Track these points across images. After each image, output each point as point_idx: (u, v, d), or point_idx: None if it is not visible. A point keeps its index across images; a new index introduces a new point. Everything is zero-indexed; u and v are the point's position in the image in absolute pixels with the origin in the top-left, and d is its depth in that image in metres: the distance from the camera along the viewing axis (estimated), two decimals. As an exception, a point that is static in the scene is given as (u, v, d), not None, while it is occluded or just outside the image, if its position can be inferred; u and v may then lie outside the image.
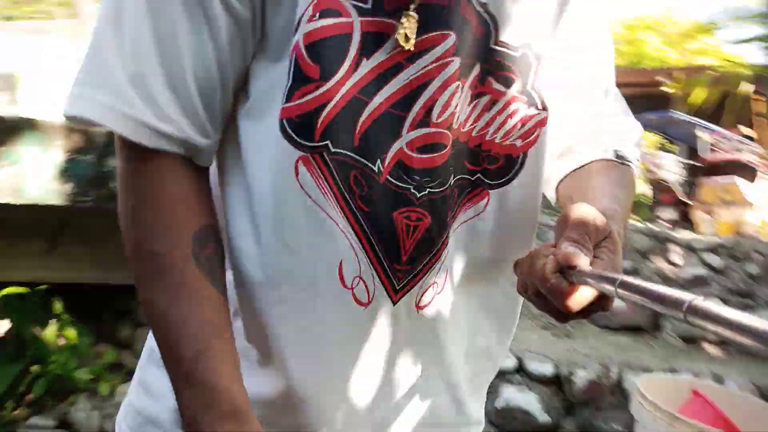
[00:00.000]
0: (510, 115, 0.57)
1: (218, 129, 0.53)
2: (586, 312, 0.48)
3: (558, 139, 0.63)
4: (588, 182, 0.60)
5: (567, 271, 0.46)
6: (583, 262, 0.46)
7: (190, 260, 0.50)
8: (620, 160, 0.62)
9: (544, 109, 0.58)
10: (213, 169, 0.57)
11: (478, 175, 0.58)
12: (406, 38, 0.49)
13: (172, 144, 0.49)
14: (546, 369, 2.74)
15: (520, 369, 2.75)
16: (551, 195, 0.67)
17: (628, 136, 0.66)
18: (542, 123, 0.59)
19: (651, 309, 0.39)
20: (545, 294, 0.48)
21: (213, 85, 0.50)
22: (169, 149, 0.49)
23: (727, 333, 0.32)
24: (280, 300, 0.54)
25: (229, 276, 0.55)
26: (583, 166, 0.63)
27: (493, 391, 2.57)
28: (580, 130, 0.65)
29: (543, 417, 2.65)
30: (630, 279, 0.41)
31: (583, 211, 0.50)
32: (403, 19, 0.49)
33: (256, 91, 0.52)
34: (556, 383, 2.73)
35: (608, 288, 0.43)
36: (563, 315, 0.49)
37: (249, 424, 0.48)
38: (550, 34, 0.58)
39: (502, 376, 2.66)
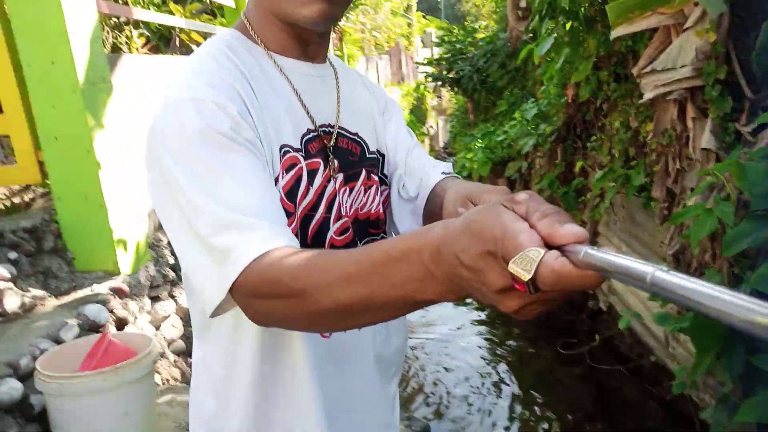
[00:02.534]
0: (380, 194, 0.89)
1: None
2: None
3: (408, 187, 0.90)
4: (447, 184, 0.83)
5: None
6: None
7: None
8: (449, 174, 0.90)
9: (388, 184, 0.92)
10: None
11: (381, 234, 0.89)
12: (334, 171, 0.80)
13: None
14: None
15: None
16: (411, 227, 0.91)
17: (440, 165, 0.92)
18: (389, 193, 0.92)
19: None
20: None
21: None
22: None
23: (692, 304, 0.32)
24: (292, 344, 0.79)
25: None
26: (434, 186, 0.87)
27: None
28: (415, 172, 0.91)
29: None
30: (594, 249, 0.39)
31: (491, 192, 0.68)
32: (331, 162, 0.80)
33: None
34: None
35: (573, 259, 0.40)
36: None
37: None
38: (381, 136, 0.92)
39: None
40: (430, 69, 8.51)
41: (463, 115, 9.81)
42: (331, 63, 0.88)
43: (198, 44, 5.28)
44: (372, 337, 0.88)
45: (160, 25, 4.27)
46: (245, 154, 0.67)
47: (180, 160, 0.65)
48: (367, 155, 0.88)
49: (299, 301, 0.58)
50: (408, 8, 20.50)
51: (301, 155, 0.77)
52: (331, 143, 0.82)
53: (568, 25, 3.01)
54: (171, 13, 4.60)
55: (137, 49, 4.22)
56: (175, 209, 0.66)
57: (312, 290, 0.57)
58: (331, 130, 0.82)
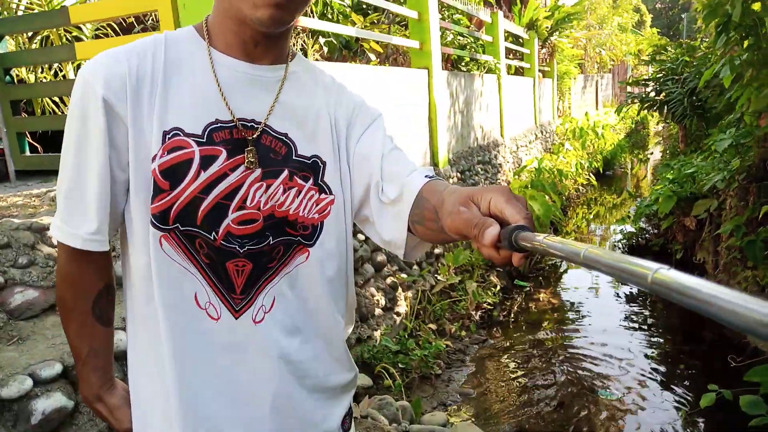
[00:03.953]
0: (309, 199, 0.89)
1: (111, 229, 0.88)
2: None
3: (387, 190, 0.90)
4: (439, 187, 0.81)
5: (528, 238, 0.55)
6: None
7: (89, 312, 0.92)
8: (433, 177, 0.88)
9: (332, 193, 0.91)
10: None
11: (299, 237, 0.89)
12: (251, 163, 0.84)
13: (95, 244, 0.85)
14: None
15: None
16: (401, 238, 0.89)
17: (422, 169, 0.92)
18: (332, 202, 0.91)
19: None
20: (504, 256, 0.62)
21: (110, 195, 0.84)
22: (91, 249, 0.86)
23: (694, 303, 0.33)
24: (160, 319, 0.85)
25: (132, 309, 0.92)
26: (420, 190, 0.85)
27: None
28: (394, 176, 0.89)
29: None
30: (595, 248, 0.43)
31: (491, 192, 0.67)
32: (248, 153, 0.84)
33: (131, 199, 0.85)
34: None
35: (574, 256, 0.45)
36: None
37: (108, 399, 0.98)
38: (330, 144, 0.92)
39: None
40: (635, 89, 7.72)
41: (674, 143, 8.72)
42: (287, 67, 0.90)
43: (377, 53, 5.58)
44: (278, 335, 0.89)
45: (337, 33, 4.61)
46: (95, 146, 0.82)
47: (67, 125, 0.84)
48: (294, 156, 0.89)
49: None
50: (640, 23, 18.87)
51: (196, 140, 0.82)
52: (253, 137, 0.85)
53: (746, 43, 2.51)
54: (353, 23, 4.94)
55: (312, 56, 4.62)
56: (64, 142, 0.85)
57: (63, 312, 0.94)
58: (256, 125, 0.86)
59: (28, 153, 3.52)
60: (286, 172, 0.88)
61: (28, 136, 3.61)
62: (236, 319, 0.86)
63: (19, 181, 3.43)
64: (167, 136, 0.81)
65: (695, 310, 0.33)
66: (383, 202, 0.90)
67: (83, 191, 0.82)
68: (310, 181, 0.89)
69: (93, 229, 0.83)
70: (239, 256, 0.85)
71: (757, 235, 3.45)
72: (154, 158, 0.80)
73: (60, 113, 4.06)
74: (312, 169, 0.90)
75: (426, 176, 0.87)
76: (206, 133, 0.83)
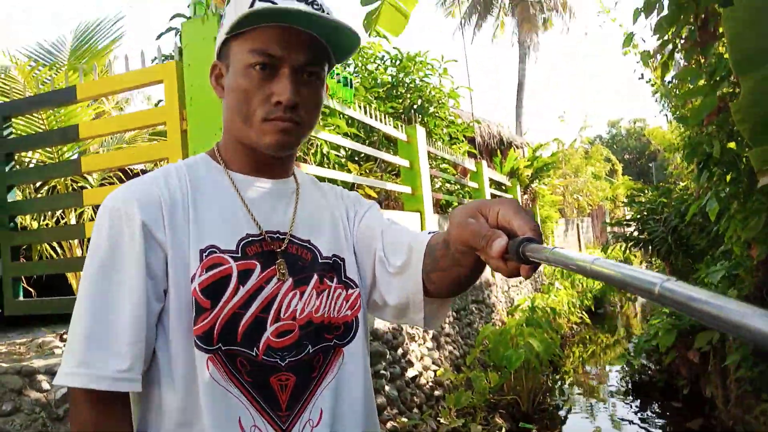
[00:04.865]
0: (338, 297, 0.90)
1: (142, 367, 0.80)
2: None
3: (393, 260, 0.90)
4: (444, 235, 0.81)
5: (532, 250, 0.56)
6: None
7: None
8: (435, 233, 0.87)
9: (357, 286, 0.93)
10: None
11: (333, 340, 0.89)
12: (282, 274, 0.86)
13: (126, 384, 0.77)
14: None
15: None
16: (419, 301, 0.88)
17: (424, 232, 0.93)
18: (359, 296, 0.93)
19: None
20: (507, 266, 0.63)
21: (146, 327, 0.79)
22: (122, 389, 0.77)
23: (700, 315, 0.32)
24: None
25: None
26: (427, 242, 0.85)
27: None
28: (398, 244, 0.91)
29: None
30: (602, 260, 0.44)
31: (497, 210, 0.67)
32: (279, 265, 0.86)
33: (168, 323, 0.80)
34: None
35: (582, 268, 0.46)
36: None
37: None
38: (345, 241, 0.95)
39: None
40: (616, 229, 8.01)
41: (662, 280, 8.81)
42: (296, 179, 0.97)
43: (372, 198, 5.83)
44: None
45: (335, 179, 4.85)
46: (130, 274, 0.79)
47: (90, 260, 0.80)
48: (320, 260, 0.91)
49: None
50: (612, 172, 20.12)
51: (232, 256, 0.83)
52: (281, 248, 0.88)
53: (728, 177, 2.68)
54: (349, 171, 5.22)
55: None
56: (81, 279, 0.81)
57: None
58: (282, 236, 0.89)
59: (21, 298, 3.48)
60: (316, 277, 0.89)
61: (24, 281, 3.59)
62: None
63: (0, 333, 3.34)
64: (204, 255, 0.81)
65: (703, 321, 0.32)
66: (391, 273, 0.90)
67: (110, 326, 0.77)
68: (335, 280, 0.91)
69: (125, 366, 0.76)
70: (282, 370, 0.83)
71: (766, 366, 3.38)
72: (193, 278, 0.80)
73: (57, 257, 4.08)
74: (334, 268, 0.92)
75: (429, 233, 0.88)
76: (240, 247, 0.84)
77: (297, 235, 0.91)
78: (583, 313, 9.25)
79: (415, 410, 4.05)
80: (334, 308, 0.90)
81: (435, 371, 4.51)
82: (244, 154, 0.90)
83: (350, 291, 0.92)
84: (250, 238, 0.86)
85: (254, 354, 0.81)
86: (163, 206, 0.82)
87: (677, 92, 6.27)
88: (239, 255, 0.83)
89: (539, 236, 0.60)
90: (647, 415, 5.07)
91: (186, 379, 0.79)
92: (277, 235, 0.88)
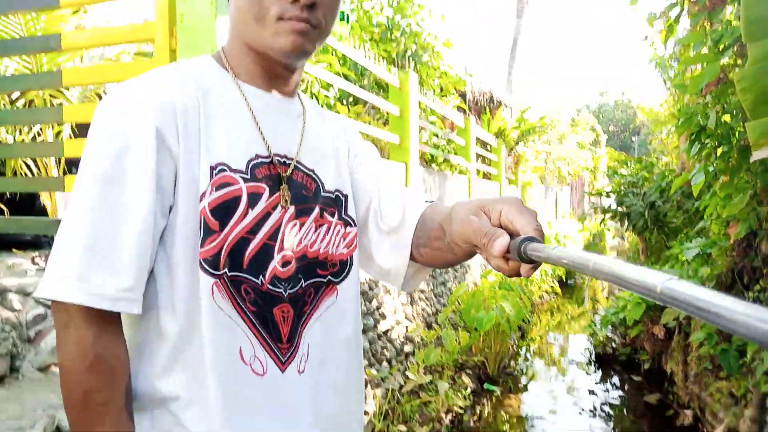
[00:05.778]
0: (336, 234, 0.87)
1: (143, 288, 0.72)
2: None
3: (387, 218, 0.90)
4: (442, 208, 0.83)
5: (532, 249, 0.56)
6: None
7: (124, 408, 0.70)
8: (432, 202, 0.90)
9: (354, 225, 0.90)
10: None
11: (328, 276, 0.85)
12: (286, 201, 0.79)
13: (127, 304, 0.69)
14: None
15: None
16: (402, 265, 0.90)
17: (422, 195, 0.94)
18: (357, 235, 0.90)
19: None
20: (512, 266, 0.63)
21: (151, 244, 0.70)
22: (123, 309, 0.69)
23: (703, 314, 0.32)
24: (212, 391, 0.73)
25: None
26: (422, 214, 0.88)
27: None
28: (394, 203, 0.90)
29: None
30: (603, 259, 0.43)
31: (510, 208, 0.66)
32: (284, 191, 0.79)
33: (171, 243, 0.72)
34: None
35: (583, 267, 0.45)
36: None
37: None
38: (347, 177, 0.91)
39: None
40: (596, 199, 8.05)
41: (634, 255, 8.98)
42: (300, 100, 0.89)
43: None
44: (317, 385, 0.82)
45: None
46: (139, 186, 0.70)
47: (89, 167, 0.70)
48: (322, 193, 0.87)
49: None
50: (596, 142, 20.16)
51: (242, 177, 0.76)
52: (287, 174, 0.81)
53: (719, 151, 2.63)
54: (338, 113, 5.08)
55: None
56: (77, 186, 0.70)
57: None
58: (289, 161, 0.82)
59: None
60: (317, 210, 0.85)
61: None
62: (282, 372, 0.78)
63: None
64: (214, 172, 0.74)
65: (705, 320, 0.32)
66: (382, 230, 0.89)
67: (114, 239, 0.68)
68: (336, 216, 0.88)
69: (127, 284, 0.68)
70: (284, 301, 0.79)
71: (731, 344, 3.44)
72: (203, 196, 0.72)
73: (32, 176, 3.90)
74: (336, 203, 0.88)
75: (426, 201, 0.89)
76: (249, 168, 0.78)
77: (303, 162, 0.84)
78: (555, 282, 9.38)
79: (385, 363, 4.07)
80: (333, 245, 0.86)
81: (407, 327, 4.52)
82: (253, 61, 0.81)
83: (348, 229, 0.89)
84: (259, 159, 0.79)
85: (260, 282, 0.77)
86: (177, 113, 0.72)
87: (678, 59, 6.17)
88: (248, 176, 0.77)
89: (541, 236, 0.60)
90: (607, 386, 5.20)
91: (187, 304, 0.72)
92: (285, 159, 0.82)
